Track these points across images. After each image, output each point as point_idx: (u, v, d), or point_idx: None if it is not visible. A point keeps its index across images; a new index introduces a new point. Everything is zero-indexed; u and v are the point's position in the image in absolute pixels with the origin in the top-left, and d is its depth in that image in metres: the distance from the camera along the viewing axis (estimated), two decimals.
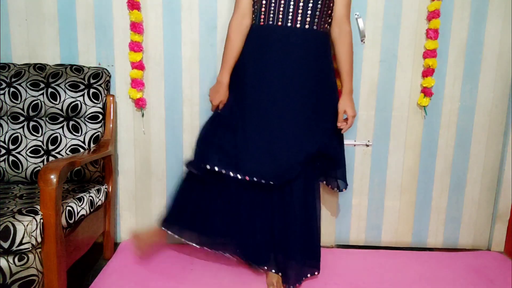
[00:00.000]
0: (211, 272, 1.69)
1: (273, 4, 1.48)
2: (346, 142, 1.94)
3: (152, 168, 1.95)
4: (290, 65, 1.50)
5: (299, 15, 1.47)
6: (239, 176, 1.48)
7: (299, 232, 1.56)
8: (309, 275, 1.63)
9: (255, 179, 1.48)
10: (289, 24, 1.48)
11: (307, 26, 1.49)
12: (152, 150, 1.94)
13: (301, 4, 1.46)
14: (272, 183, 1.49)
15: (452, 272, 1.75)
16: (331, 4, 1.53)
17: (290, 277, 1.56)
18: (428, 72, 1.86)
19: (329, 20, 1.56)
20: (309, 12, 1.47)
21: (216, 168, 1.49)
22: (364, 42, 1.86)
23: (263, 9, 1.49)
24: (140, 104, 1.87)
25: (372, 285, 1.63)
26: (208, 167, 1.49)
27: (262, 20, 1.51)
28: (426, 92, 1.88)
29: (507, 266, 1.83)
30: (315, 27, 1.50)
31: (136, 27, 1.80)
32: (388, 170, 1.98)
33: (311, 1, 1.46)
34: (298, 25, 1.48)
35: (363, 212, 2.01)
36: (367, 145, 1.95)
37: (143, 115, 1.91)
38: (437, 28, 1.82)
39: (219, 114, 1.60)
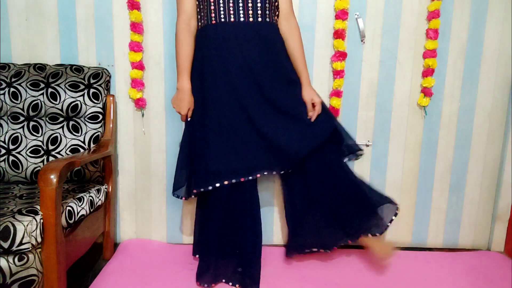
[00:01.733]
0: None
1: (221, 2, 1.47)
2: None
3: (152, 168, 1.95)
4: (253, 59, 1.50)
5: (250, 9, 1.48)
6: (250, 178, 1.50)
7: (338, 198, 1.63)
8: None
9: (265, 173, 1.52)
10: (241, 19, 1.48)
11: (260, 19, 1.50)
12: (152, 150, 1.94)
13: None
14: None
15: (452, 272, 1.74)
16: None
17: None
18: (428, 72, 1.86)
19: (277, 13, 1.58)
20: (259, 5, 1.49)
21: (231, 181, 1.49)
22: (364, 42, 1.86)
23: (212, 7, 1.48)
24: (140, 104, 1.87)
25: (372, 285, 1.63)
26: (225, 182, 1.49)
27: (213, 19, 1.49)
28: (426, 92, 1.88)
29: (507, 266, 1.83)
30: (267, 19, 1.52)
31: (136, 27, 1.80)
32: (388, 170, 1.98)
33: None
34: (251, 19, 1.49)
35: None
36: (367, 145, 1.95)
37: (143, 115, 1.91)
38: (437, 28, 1.82)
39: (193, 126, 1.57)
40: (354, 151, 1.73)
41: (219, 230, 1.53)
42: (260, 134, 1.51)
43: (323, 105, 1.63)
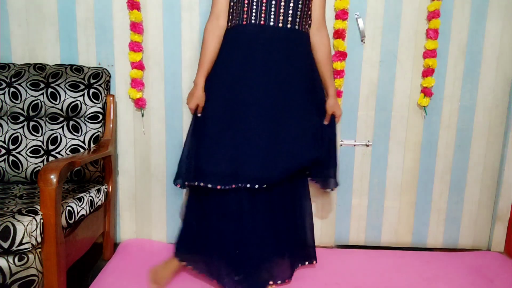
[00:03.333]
0: None
1: (255, 4, 1.47)
2: (346, 142, 1.94)
3: (152, 168, 1.95)
4: (274, 64, 1.49)
5: (281, 14, 1.47)
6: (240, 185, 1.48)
7: (289, 229, 1.60)
8: (306, 263, 1.68)
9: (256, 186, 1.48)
10: (271, 24, 1.48)
11: (289, 26, 1.49)
12: (152, 150, 1.94)
13: (282, 3, 1.46)
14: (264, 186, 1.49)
15: (452, 272, 1.75)
16: (310, 5, 1.54)
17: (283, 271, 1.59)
18: (428, 72, 1.86)
19: (309, 22, 1.56)
20: (290, 11, 1.48)
21: (213, 185, 1.47)
22: (364, 42, 1.86)
23: (245, 8, 1.48)
24: (140, 104, 1.87)
25: (372, 285, 1.63)
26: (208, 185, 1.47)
27: (244, 19, 1.49)
28: (426, 92, 1.88)
29: (507, 266, 1.83)
30: (297, 27, 1.50)
31: (136, 27, 1.80)
32: (388, 170, 1.98)
33: (292, 1, 1.47)
34: (280, 24, 1.48)
35: (363, 212, 2.01)
36: (367, 145, 1.95)
37: (143, 115, 1.91)
38: (437, 28, 1.82)
39: (201, 123, 1.56)
40: (331, 185, 1.70)
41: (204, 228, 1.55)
42: (258, 144, 1.50)
43: (332, 138, 1.65)
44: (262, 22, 1.47)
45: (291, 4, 1.47)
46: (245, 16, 1.49)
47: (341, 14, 1.80)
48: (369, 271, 1.74)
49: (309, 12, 1.55)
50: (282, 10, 1.47)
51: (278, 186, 1.53)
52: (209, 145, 1.49)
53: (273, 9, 1.47)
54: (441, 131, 1.94)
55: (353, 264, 1.80)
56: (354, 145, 1.95)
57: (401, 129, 1.94)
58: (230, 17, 1.53)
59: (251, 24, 1.48)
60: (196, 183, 1.48)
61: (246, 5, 1.48)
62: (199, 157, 1.51)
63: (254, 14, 1.48)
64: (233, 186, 1.47)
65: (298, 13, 1.49)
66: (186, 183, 1.54)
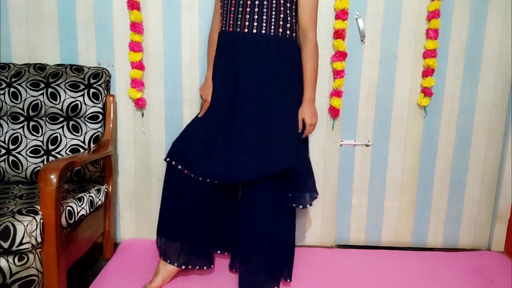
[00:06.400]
0: (210, 271, 1.68)
1: (225, 10, 1.51)
2: (346, 142, 1.94)
3: (152, 168, 1.95)
4: (242, 71, 1.51)
5: (246, 20, 1.48)
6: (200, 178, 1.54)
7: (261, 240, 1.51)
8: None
9: (213, 180, 1.53)
10: (238, 30, 1.49)
11: (254, 31, 1.48)
12: (152, 150, 1.94)
13: (248, 9, 1.47)
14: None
15: (452, 272, 1.75)
16: (293, 7, 1.51)
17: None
18: (428, 72, 1.86)
19: (291, 26, 1.53)
20: (264, 17, 1.47)
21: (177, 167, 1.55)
22: (364, 42, 1.86)
23: (229, 15, 1.51)
24: (140, 104, 1.87)
25: (372, 285, 1.63)
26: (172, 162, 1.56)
27: (226, 26, 1.53)
28: (426, 92, 1.88)
29: (507, 266, 1.83)
30: (272, 33, 1.48)
31: (136, 27, 1.80)
32: (388, 170, 1.98)
33: (265, 6, 1.46)
34: (246, 30, 1.48)
35: (363, 212, 2.01)
36: (367, 145, 1.95)
37: (143, 115, 1.91)
38: (437, 28, 1.82)
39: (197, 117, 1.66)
40: (309, 201, 1.58)
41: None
42: (229, 142, 1.53)
43: (303, 145, 1.61)
44: (230, 29, 1.51)
45: (257, 9, 1.46)
46: (226, 22, 1.52)
47: (341, 14, 1.80)
48: (369, 271, 1.74)
49: (288, 17, 1.50)
50: (247, 16, 1.47)
51: (247, 187, 1.52)
52: (189, 129, 1.62)
53: (239, 16, 1.48)
54: (441, 131, 1.94)
55: (353, 264, 1.80)
56: (354, 145, 1.95)
57: (401, 129, 1.94)
58: (221, 18, 1.57)
59: (222, 31, 1.55)
60: (168, 160, 1.57)
61: (229, 12, 1.51)
62: (179, 137, 1.61)
63: (224, 21, 1.53)
64: (198, 178, 1.53)
65: (273, 18, 1.48)
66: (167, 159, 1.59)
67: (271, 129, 1.50)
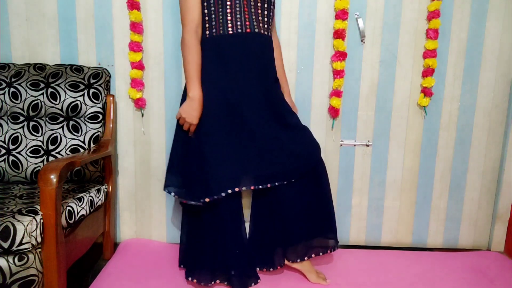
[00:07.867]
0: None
1: (238, 12, 1.45)
2: (346, 142, 1.95)
3: (152, 168, 1.95)
4: (256, 71, 1.51)
5: (260, 22, 1.50)
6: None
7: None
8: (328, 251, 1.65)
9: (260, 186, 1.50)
10: (256, 30, 1.49)
11: (262, 31, 1.51)
12: (152, 150, 1.94)
13: (259, 11, 1.49)
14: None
15: (452, 272, 1.75)
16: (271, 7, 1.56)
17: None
18: (428, 72, 1.86)
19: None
20: (265, 18, 1.52)
21: (237, 189, 1.47)
22: (364, 42, 1.86)
23: (229, 17, 1.45)
24: (140, 104, 1.87)
25: (372, 285, 1.63)
26: (228, 191, 1.46)
27: (230, 29, 1.45)
28: (426, 92, 1.88)
29: (507, 266, 1.83)
30: (267, 33, 1.54)
31: (136, 27, 1.80)
32: (388, 170, 1.98)
33: (266, 8, 1.51)
34: (262, 31, 1.51)
35: (363, 212, 2.01)
36: (367, 145, 1.95)
37: (143, 115, 1.91)
38: (437, 28, 1.82)
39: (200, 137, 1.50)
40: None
41: (215, 239, 1.52)
42: (262, 145, 1.50)
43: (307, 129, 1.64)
44: (247, 30, 1.47)
45: (266, 12, 1.51)
46: (229, 25, 1.46)
47: (341, 14, 1.80)
48: (369, 271, 1.74)
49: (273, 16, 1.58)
50: (260, 18, 1.50)
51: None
52: (215, 162, 1.47)
53: (253, 17, 1.48)
54: (441, 131, 1.94)
55: (353, 264, 1.80)
56: (354, 145, 1.95)
57: (401, 129, 1.94)
58: (207, 25, 1.47)
59: (238, 32, 1.46)
60: (224, 194, 1.45)
61: (229, 14, 1.46)
62: (214, 166, 1.46)
63: (239, 22, 1.46)
64: (236, 189, 1.46)
65: (270, 20, 1.54)
66: (208, 199, 1.45)
67: (288, 124, 1.56)
